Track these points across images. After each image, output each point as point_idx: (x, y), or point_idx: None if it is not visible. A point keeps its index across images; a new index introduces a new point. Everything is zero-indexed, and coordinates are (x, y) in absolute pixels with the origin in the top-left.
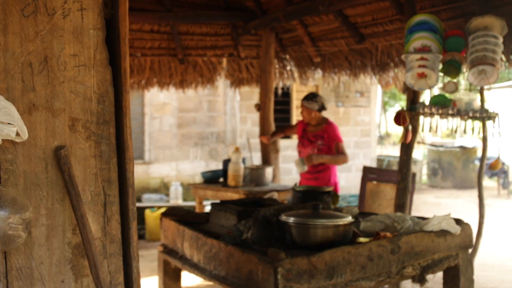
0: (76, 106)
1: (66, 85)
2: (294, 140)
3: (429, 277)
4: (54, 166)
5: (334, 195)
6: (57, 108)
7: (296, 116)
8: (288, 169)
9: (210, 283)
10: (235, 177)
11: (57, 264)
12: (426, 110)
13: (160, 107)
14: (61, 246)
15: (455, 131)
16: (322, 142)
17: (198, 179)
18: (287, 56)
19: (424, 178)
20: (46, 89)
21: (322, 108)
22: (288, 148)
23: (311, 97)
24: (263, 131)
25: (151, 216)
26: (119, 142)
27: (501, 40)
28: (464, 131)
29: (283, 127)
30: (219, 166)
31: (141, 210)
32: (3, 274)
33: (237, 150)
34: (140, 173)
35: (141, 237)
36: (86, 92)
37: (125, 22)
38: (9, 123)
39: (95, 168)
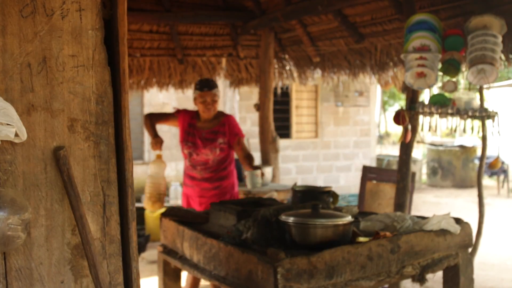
0: (75, 106)
1: (65, 86)
2: (295, 140)
3: (429, 276)
4: (53, 167)
5: (334, 194)
6: (56, 109)
7: (295, 116)
8: (287, 169)
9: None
10: (152, 197)
11: (56, 264)
12: (426, 109)
13: (159, 107)
14: (61, 247)
15: (455, 130)
16: (223, 140)
17: None
18: (286, 56)
19: (424, 177)
20: (45, 89)
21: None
22: (288, 148)
23: (215, 84)
24: (263, 131)
25: (151, 217)
26: (118, 143)
27: (500, 39)
28: (464, 130)
29: (156, 115)
30: None
31: (140, 211)
32: (3, 275)
33: (159, 158)
34: (140, 173)
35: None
36: (85, 93)
37: (123, 22)
38: (8, 124)
39: (94, 169)
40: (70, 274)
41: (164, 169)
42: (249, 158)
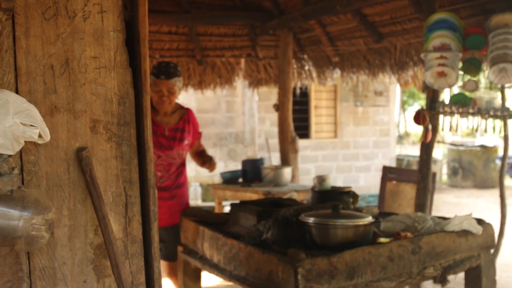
0: (97, 107)
1: (87, 87)
2: (314, 140)
3: (450, 277)
4: (75, 167)
5: (354, 195)
6: (79, 110)
7: (315, 116)
8: (307, 169)
9: (230, 283)
10: None
11: (79, 264)
12: (446, 109)
13: None
14: (83, 247)
15: (476, 130)
16: (188, 141)
17: (217, 179)
18: (305, 56)
19: (444, 177)
20: (68, 91)
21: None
22: (307, 148)
23: (177, 72)
24: (282, 131)
25: None
26: (139, 143)
27: None
28: (485, 130)
29: None
30: (238, 166)
31: None
32: (27, 274)
33: None
34: None
35: None
36: (107, 94)
37: (144, 24)
38: (31, 125)
39: (116, 169)
40: (92, 273)
41: None
42: (209, 159)
